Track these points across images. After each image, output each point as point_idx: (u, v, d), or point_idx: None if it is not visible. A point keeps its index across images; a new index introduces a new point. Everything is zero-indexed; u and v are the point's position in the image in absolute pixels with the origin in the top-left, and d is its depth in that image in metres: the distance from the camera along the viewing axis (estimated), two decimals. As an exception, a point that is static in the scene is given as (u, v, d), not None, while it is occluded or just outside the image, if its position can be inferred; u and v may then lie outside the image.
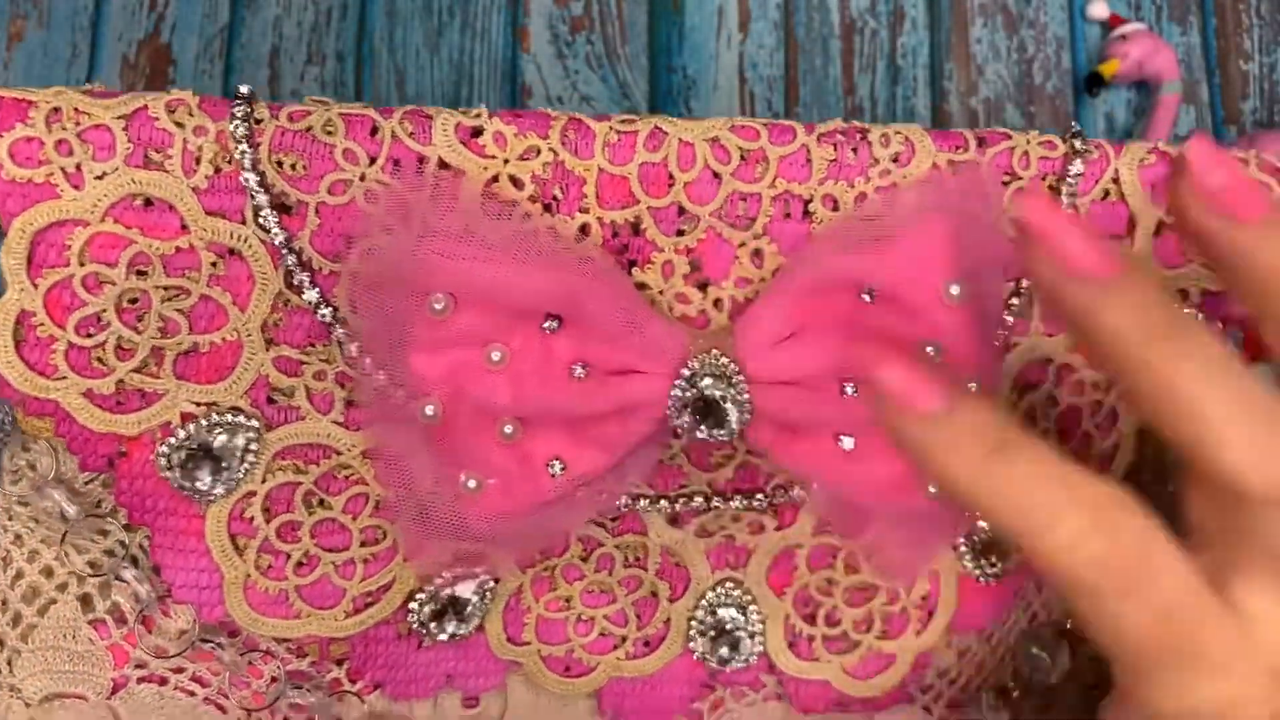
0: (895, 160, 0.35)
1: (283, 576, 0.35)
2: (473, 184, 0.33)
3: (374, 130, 0.32)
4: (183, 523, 0.34)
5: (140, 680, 0.36)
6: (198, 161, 0.32)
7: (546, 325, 0.32)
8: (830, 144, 0.34)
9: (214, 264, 0.33)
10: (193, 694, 0.36)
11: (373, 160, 0.32)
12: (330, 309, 0.33)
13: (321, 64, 0.48)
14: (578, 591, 0.37)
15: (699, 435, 0.33)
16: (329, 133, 0.32)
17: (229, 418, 0.33)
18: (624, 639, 0.38)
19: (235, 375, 0.33)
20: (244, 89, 0.32)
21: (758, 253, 0.34)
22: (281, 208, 0.32)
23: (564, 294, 0.31)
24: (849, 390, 0.32)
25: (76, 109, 0.31)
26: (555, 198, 0.33)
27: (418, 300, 0.31)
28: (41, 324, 0.32)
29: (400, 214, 0.31)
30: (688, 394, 0.32)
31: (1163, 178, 0.37)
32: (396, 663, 0.37)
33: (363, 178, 0.32)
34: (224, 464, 0.33)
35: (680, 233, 0.34)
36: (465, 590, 0.36)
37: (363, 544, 0.35)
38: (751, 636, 0.38)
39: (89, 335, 0.32)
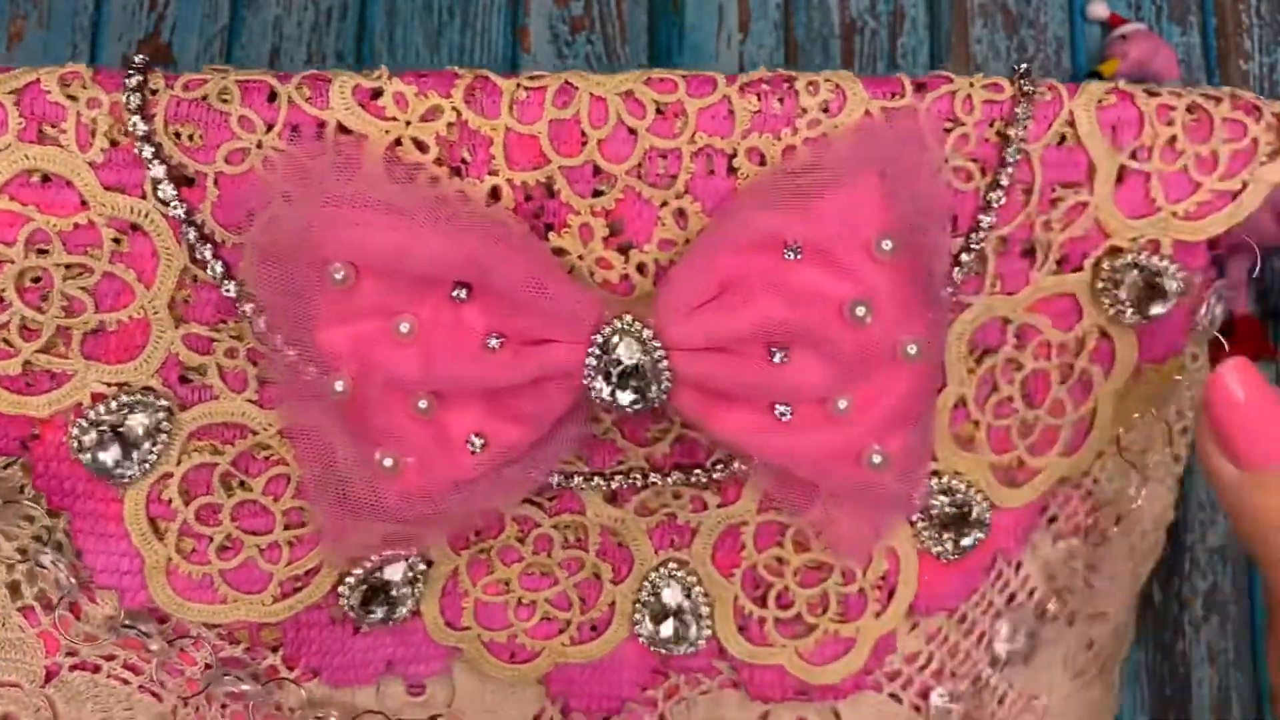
0: (825, 110, 0.32)
1: (206, 560, 0.34)
2: (375, 148, 0.31)
3: (272, 96, 0.31)
4: (101, 506, 0.34)
5: (73, 668, 0.35)
6: (93, 135, 0.31)
7: (455, 294, 0.30)
8: (754, 94, 0.32)
9: (116, 240, 0.32)
10: (126, 682, 0.35)
11: (270, 127, 0.31)
12: (236, 284, 0.32)
13: (321, 64, 0.47)
14: (516, 574, 0.36)
15: (620, 405, 0.31)
16: (225, 100, 0.31)
17: (139, 397, 0.33)
18: (568, 623, 0.36)
19: (145, 354, 0.33)
20: (138, 58, 0.31)
21: (681, 213, 0.33)
22: (181, 180, 0.31)
23: (469, 260, 0.30)
24: (778, 357, 0.30)
25: (-34, 86, 0.31)
26: (464, 160, 0.32)
27: (319, 272, 0.30)
28: (-58, 305, 0.32)
29: (300, 182, 0.30)
30: (603, 361, 0.30)
31: (1126, 120, 0.34)
32: (332, 649, 0.36)
33: (260, 145, 0.31)
34: (135, 445, 0.33)
35: (597, 193, 0.32)
36: (393, 573, 0.35)
37: (286, 526, 0.34)
38: (698, 620, 0.36)
39: (-8, 315, 0.32)
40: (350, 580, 0.35)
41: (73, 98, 0.31)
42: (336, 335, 0.31)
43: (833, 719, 0.38)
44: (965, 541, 0.36)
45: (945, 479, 0.36)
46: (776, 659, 0.37)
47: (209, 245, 0.32)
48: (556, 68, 0.47)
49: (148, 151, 0.31)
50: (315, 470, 0.32)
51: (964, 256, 0.33)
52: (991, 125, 0.33)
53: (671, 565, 0.36)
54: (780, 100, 0.32)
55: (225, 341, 0.33)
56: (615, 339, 0.30)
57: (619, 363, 0.30)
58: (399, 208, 0.30)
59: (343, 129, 0.31)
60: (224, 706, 0.36)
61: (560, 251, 0.33)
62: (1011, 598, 0.38)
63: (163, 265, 0.32)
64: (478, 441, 0.31)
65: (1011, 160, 0.33)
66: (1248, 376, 0.31)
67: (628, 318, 0.30)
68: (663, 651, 0.36)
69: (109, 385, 0.33)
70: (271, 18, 0.47)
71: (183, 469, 0.33)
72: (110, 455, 0.32)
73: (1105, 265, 0.35)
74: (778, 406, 0.31)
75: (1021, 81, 0.33)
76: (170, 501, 0.33)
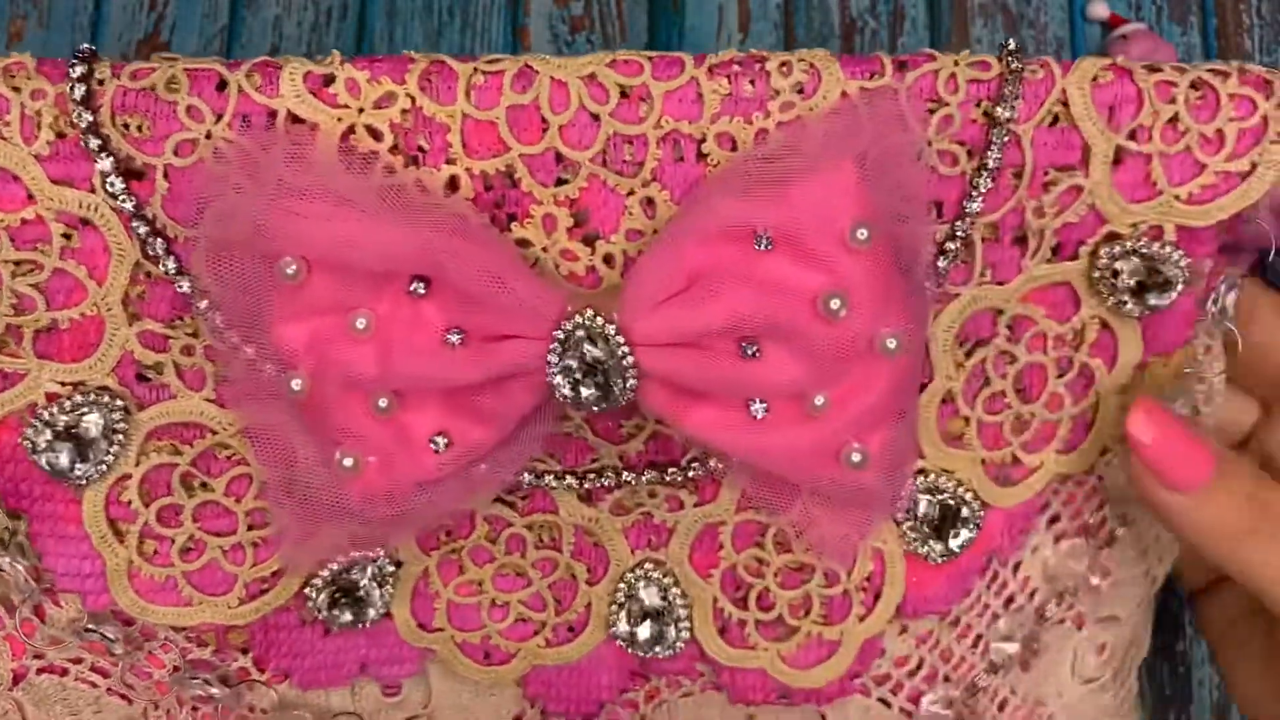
0: (799, 91, 0.30)
1: (169, 562, 0.33)
2: (328, 138, 0.30)
3: (221, 85, 0.30)
4: (60, 508, 0.33)
5: (40, 671, 0.35)
6: (38, 127, 0.30)
7: (413, 288, 0.29)
8: (724, 76, 0.30)
9: (66, 235, 0.31)
10: (95, 685, 0.35)
11: (219, 117, 0.30)
12: (189, 279, 0.31)
13: (321, 64, 0.47)
14: (489, 575, 0.35)
15: (583, 403, 0.30)
16: (173, 90, 0.30)
17: (94, 397, 0.32)
18: (543, 624, 0.35)
19: (99, 353, 0.32)
20: (84, 47, 0.30)
21: (649, 201, 0.31)
22: (130, 173, 0.30)
23: (424, 253, 0.28)
24: (749, 352, 0.29)
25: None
26: (421, 148, 0.30)
27: (271, 267, 0.29)
28: (-110, 304, 0.31)
29: (250, 173, 0.29)
30: (564, 358, 0.29)
31: (1124, 98, 0.32)
32: (302, 650, 0.35)
33: (209, 136, 0.30)
34: (91, 446, 0.32)
35: (560, 181, 0.31)
36: (359, 575, 0.34)
37: (250, 527, 0.33)
38: (676, 623, 0.35)
39: (-62, 314, 0.31)
40: (317, 582, 0.34)
41: (16, 89, 0.30)
42: (292, 331, 0.30)
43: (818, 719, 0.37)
44: (954, 543, 0.34)
45: (932, 477, 0.34)
46: (758, 662, 0.35)
47: (161, 240, 0.30)
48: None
49: (94, 143, 0.30)
50: (276, 471, 0.31)
51: (950, 245, 0.32)
52: (978, 105, 0.31)
53: (648, 566, 0.35)
54: (751, 82, 0.30)
55: (181, 339, 0.32)
56: (577, 333, 0.29)
57: (581, 360, 0.29)
58: (351, 200, 0.29)
59: (294, 118, 0.30)
60: (194, 709, 0.35)
61: (523, 243, 0.31)
62: (1010, 600, 0.37)
63: (114, 261, 0.31)
64: (441, 441, 0.30)
65: (998, 142, 0.31)
66: (1154, 415, 0.32)
67: (589, 313, 0.29)
68: (641, 654, 0.35)
69: (63, 385, 0.32)
70: (271, 18, 0.47)
71: (141, 470, 0.32)
72: (65, 457, 0.32)
73: (1103, 253, 0.33)
74: (752, 403, 0.29)
75: (1010, 58, 0.31)
76: (130, 503, 0.33)
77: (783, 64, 0.30)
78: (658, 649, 0.35)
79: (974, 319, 0.33)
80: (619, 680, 0.36)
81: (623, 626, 0.35)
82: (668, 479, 0.33)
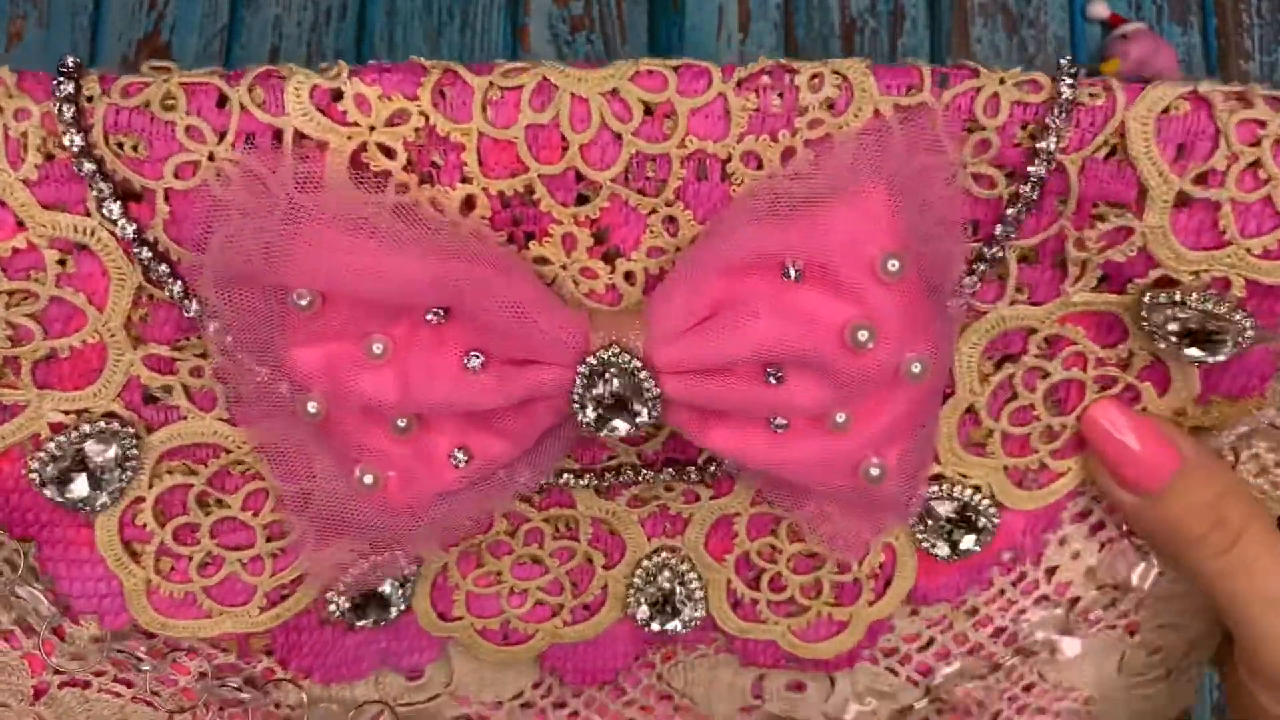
0: (829, 107, 0.29)
1: (187, 579, 0.33)
2: (338, 157, 0.28)
3: (222, 100, 0.28)
4: (70, 533, 0.32)
5: (62, 685, 0.34)
6: (24, 149, 0.28)
7: (430, 317, 0.28)
8: (752, 91, 0.29)
9: (61, 262, 0.29)
10: (119, 695, 0.35)
11: (221, 136, 0.28)
12: (197, 302, 0.29)
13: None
14: (507, 566, 0.35)
15: (608, 432, 0.29)
16: (169, 107, 0.28)
17: (101, 425, 0.31)
18: (561, 606, 0.36)
19: (103, 379, 0.30)
20: (69, 60, 0.28)
21: (671, 220, 0.30)
22: (129, 195, 0.29)
23: (443, 285, 0.27)
24: (773, 378, 0.28)
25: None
26: (434, 164, 0.29)
27: (283, 295, 0.28)
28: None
29: (258, 196, 0.27)
30: (589, 394, 0.29)
31: (1197, 135, 0.28)
32: (323, 649, 0.35)
33: (211, 157, 0.28)
34: (102, 475, 0.31)
35: (581, 200, 0.30)
36: (384, 585, 0.34)
37: (269, 539, 0.33)
38: (692, 602, 0.35)
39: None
40: (339, 586, 0.34)
41: (-2, 109, 0.28)
42: (307, 355, 0.29)
43: (828, 683, 0.38)
44: (964, 546, 0.34)
45: (949, 485, 0.34)
46: (769, 635, 0.36)
47: (165, 264, 0.29)
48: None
49: (88, 167, 0.28)
50: (292, 486, 0.31)
51: (979, 266, 0.30)
52: (1024, 128, 0.29)
53: (665, 553, 0.35)
54: (780, 95, 0.29)
55: (189, 360, 0.31)
56: (601, 370, 0.28)
57: (606, 395, 0.28)
58: (366, 226, 0.27)
59: (300, 134, 0.28)
60: (221, 709, 0.36)
61: (542, 260, 0.30)
62: (1042, 599, 0.36)
63: (115, 285, 0.30)
64: (461, 456, 0.30)
65: (1036, 177, 0.29)
66: (1115, 413, 0.32)
67: (614, 349, 0.28)
68: (657, 630, 0.36)
69: (67, 413, 0.31)
70: (271, 18, 0.46)
71: (155, 492, 0.32)
72: (79, 489, 0.31)
73: (1152, 298, 0.30)
74: (773, 419, 0.29)
75: (1064, 80, 0.28)
76: (145, 525, 0.32)
77: (814, 76, 0.29)
78: (674, 627, 0.35)
79: (1004, 336, 0.32)
80: (635, 649, 0.37)
81: (641, 611, 0.35)
82: (684, 476, 0.33)
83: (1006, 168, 0.29)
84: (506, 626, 0.36)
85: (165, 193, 0.29)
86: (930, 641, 0.37)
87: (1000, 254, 0.30)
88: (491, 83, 0.29)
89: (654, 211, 0.30)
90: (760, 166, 0.29)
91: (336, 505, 0.30)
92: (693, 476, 0.33)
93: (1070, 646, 0.37)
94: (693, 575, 0.35)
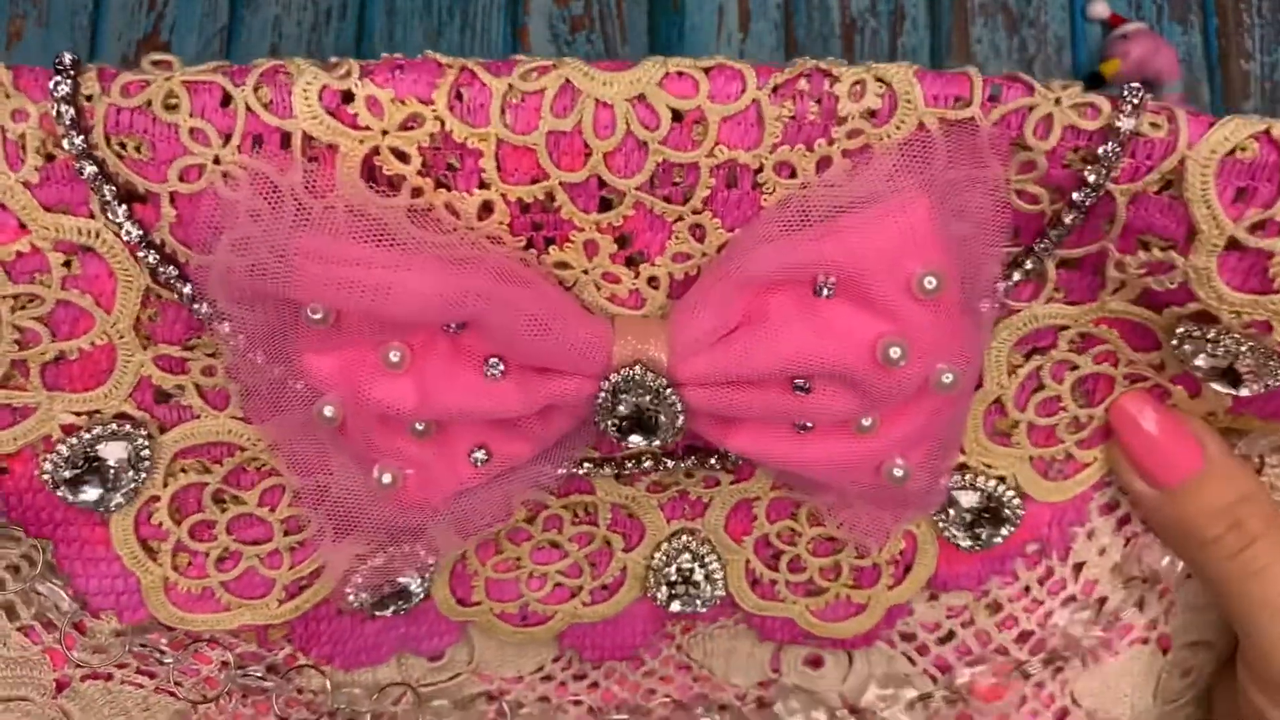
0: (871, 115, 0.27)
1: (204, 574, 0.33)
2: (350, 161, 0.27)
3: (226, 100, 0.27)
4: (85, 531, 0.32)
5: (84, 678, 0.35)
6: (23, 151, 0.27)
7: (448, 325, 0.28)
8: (788, 97, 0.27)
9: (66, 264, 0.28)
10: (141, 686, 0.35)
11: (226, 138, 0.27)
12: (207, 304, 0.29)
13: (321, 64, 0.47)
14: (526, 551, 0.35)
15: (631, 444, 0.29)
16: (171, 107, 0.27)
17: (114, 426, 0.30)
18: (580, 588, 0.36)
19: (114, 380, 0.30)
20: (66, 56, 0.27)
21: (698, 227, 0.29)
22: (133, 197, 0.28)
23: (461, 301, 0.27)
24: (800, 389, 0.28)
25: None
26: (451, 166, 0.28)
27: (297, 308, 0.27)
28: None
29: (269, 199, 0.27)
30: (613, 413, 0.28)
31: (1264, 178, 0.26)
32: (342, 637, 0.36)
33: (217, 161, 0.27)
34: (115, 475, 0.31)
35: (604, 206, 0.28)
36: (406, 579, 0.34)
37: (286, 533, 0.33)
38: (711, 582, 0.35)
39: (-62, 353, 0.29)
40: (358, 579, 0.33)
41: (-7, 110, 0.27)
42: (322, 361, 0.28)
43: (846, 661, 0.38)
44: (987, 538, 0.34)
45: (973, 475, 0.33)
46: (787, 613, 0.36)
47: (172, 266, 0.28)
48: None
49: (89, 170, 0.27)
50: (309, 481, 0.31)
51: (1015, 274, 0.29)
52: (1075, 151, 0.27)
53: (684, 535, 0.35)
54: (818, 102, 0.27)
55: (201, 360, 0.31)
56: (625, 388, 0.28)
57: (629, 414, 0.28)
58: (381, 236, 0.27)
59: (310, 137, 0.27)
60: (244, 696, 0.36)
61: (563, 265, 0.29)
62: (1070, 599, 0.36)
63: (122, 287, 0.29)
64: (481, 455, 0.30)
65: (1081, 207, 0.27)
66: (1145, 405, 0.32)
67: (639, 368, 0.28)
68: (677, 609, 0.36)
69: (78, 415, 0.30)
70: (271, 17, 0.46)
71: (170, 490, 0.32)
72: (91, 490, 0.31)
73: (1186, 331, 0.29)
74: (800, 425, 0.29)
75: (1125, 108, 0.26)
76: (160, 524, 0.32)
77: (855, 83, 0.27)
78: (694, 607, 0.35)
79: (1036, 332, 0.32)
80: (654, 627, 0.37)
81: (661, 592, 0.35)
82: (707, 464, 0.33)
83: (1052, 186, 0.28)
84: (525, 609, 0.36)
85: (171, 196, 0.28)
86: (950, 634, 0.37)
87: (1038, 265, 0.29)
88: (511, 85, 0.27)
89: (680, 219, 0.29)
90: (793, 175, 0.28)
91: (353, 501, 0.30)
92: (714, 464, 0.33)
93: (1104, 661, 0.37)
94: (712, 557, 0.35)
